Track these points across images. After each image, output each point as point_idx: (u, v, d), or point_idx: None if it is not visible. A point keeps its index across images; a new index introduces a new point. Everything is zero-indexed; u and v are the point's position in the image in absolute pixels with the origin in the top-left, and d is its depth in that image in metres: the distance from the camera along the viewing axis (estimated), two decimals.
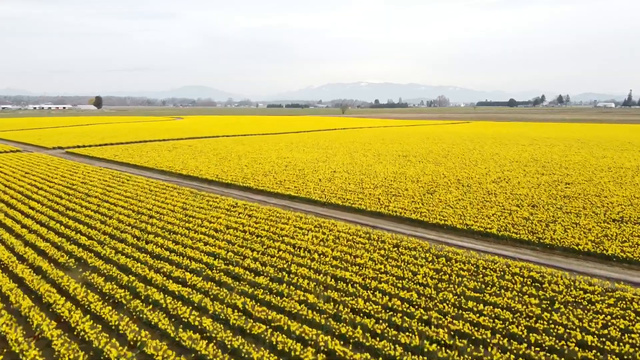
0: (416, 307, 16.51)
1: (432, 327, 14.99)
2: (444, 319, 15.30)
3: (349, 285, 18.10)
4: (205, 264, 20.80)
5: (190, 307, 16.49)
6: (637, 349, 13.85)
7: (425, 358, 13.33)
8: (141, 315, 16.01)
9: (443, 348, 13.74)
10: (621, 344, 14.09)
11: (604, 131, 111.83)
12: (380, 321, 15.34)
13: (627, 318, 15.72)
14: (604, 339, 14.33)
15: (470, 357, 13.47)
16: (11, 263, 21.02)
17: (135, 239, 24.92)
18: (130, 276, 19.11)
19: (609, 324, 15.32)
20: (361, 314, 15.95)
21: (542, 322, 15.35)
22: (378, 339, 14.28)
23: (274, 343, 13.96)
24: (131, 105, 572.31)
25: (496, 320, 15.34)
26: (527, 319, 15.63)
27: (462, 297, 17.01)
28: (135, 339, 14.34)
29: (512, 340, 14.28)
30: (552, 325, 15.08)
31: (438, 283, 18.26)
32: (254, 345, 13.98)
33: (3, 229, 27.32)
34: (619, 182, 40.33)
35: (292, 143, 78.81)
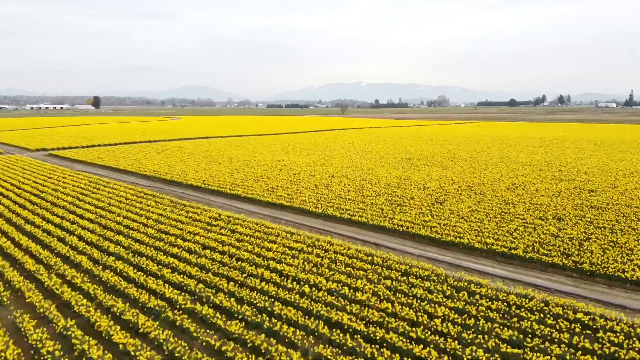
0: None
1: None
2: None
3: (348, 335, 13.96)
4: (167, 300, 16.69)
5: None
6: None
7: None
8: None
9: None
10: None
11: (613, 132, 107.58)
12: None
13: None
14: None
15: None
16: None
17: (91, 262, 20.82)
18: (68, 320, 14.94)
19: None
20: None
21: None
22: None
23: None
24: (130, 106, 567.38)
25: None
26: None
27: (496, 354, 12.87)
28: None
29: None
30: None
31: (462, 332, 14.15)
32: None
33: None
34: None
35: (289, 144, 74.69)
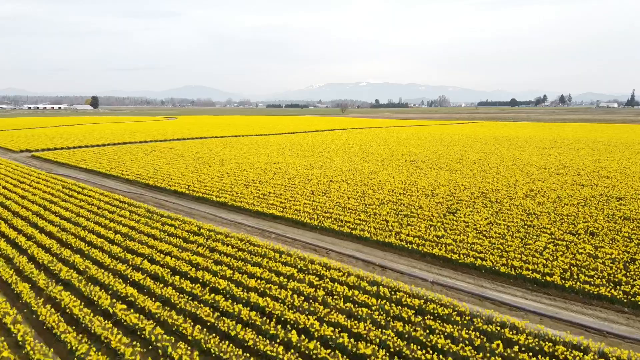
0: None
1: None
2: None
3: None
4: (112, 352, 12.83)
5: None
6: None
7: None
8: None
9: None
10: None
11: (623, 132, 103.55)
12: None
13: None
14: None
15: None
16: None
17: (34, 293, 16.99)
18: None
19: None
20: None
21: None
22: None
23: None
24: (130, 105, 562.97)
25: None
26: None
27: None
28: None
29: None
30: None
31: None
32: None
33: None
34: None
35: (286, 145, 70.80)
